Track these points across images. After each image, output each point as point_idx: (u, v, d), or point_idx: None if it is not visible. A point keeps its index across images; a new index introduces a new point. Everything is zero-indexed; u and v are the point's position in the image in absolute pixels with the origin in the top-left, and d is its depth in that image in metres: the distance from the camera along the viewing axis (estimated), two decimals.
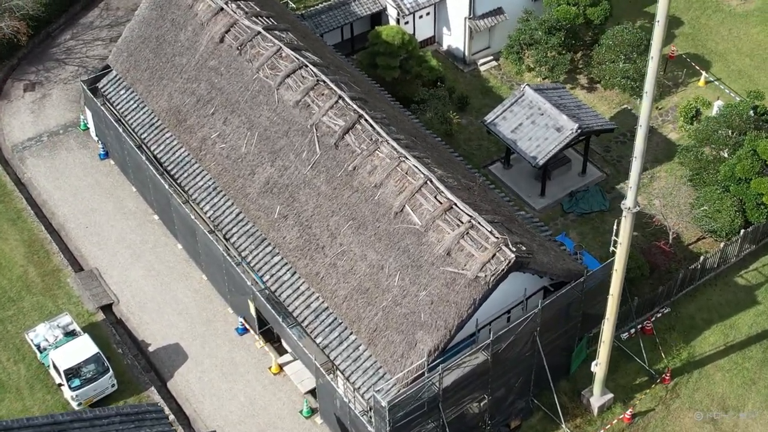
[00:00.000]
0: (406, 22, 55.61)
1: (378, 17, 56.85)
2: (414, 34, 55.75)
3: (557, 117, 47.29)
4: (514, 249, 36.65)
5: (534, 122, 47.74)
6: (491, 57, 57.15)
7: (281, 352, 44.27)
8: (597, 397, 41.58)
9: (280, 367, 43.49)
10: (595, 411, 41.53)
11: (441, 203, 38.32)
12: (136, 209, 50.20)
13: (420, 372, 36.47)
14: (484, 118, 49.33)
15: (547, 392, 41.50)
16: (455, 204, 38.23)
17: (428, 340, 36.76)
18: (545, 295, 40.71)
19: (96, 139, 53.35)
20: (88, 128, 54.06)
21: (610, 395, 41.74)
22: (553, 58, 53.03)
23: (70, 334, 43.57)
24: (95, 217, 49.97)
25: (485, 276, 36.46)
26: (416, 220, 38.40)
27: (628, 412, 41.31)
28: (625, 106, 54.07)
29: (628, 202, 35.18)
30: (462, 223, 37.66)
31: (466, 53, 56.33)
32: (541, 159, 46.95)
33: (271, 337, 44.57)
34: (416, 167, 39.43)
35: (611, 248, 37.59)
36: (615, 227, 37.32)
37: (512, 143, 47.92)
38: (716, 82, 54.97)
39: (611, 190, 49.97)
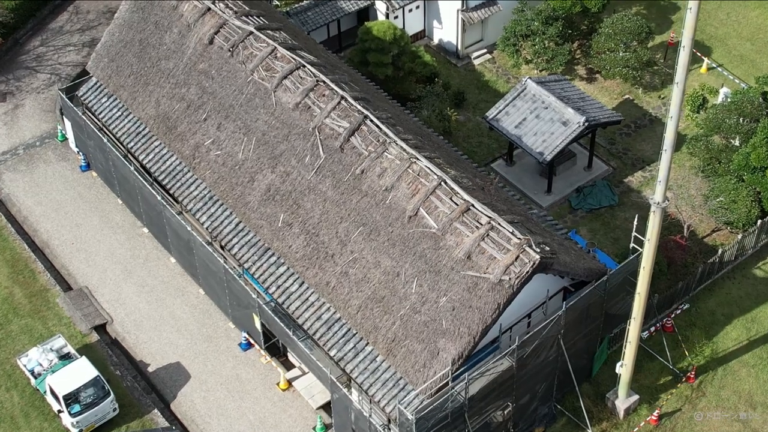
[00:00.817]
0: (396, 17, 53.66)
1: (365, 13, 54.83)
2: (404, 28, 53.77)
3: (563, 110, 45.63)
4: (538, 250, 35.03)
5: (538, 117, 46.04)
6: (485, 50, 55.33)
7: (288, 366, 42.24)
8: (622, 400, 40.04)
9: (289, 382, 41.47)
10: (621, 414, 39.98)
11: (457, 205, 36.54)
12: (123, 222, 47.82)
13: (444, 381, 34.75)
14: (486, 114, 47.53)
15: (570, 397, 40.00)
16: (473, 205, 36.46)
17: (451, 348, 35.03)
18: (565, 296, 39.21)
19: (76, 150, 50.82)
20: (67, 139, 51.55)
21: (636, 397, 40.22)
22: (551, 49, 51.35)
23: (65, 357, 41.19)
24: (80, 232, 47.50)
25: (509, 279, 34.79)
26: (432, 224, 36.58)
27: (654, 413, 39.82)
28: (627, 96, 52.50)
29: (657, 197, 33.68)
30: (481, 224, 35.91)
31: (459, 47, 54.48)
32: (549, 154, 45.26)
33: (276, 351, 42.55)
34: (428, 168, 37.58)
35: (631, 244, 36.10)
36: (635, 223, 35.78)
37: (517, 139, 46.19)
38: (719, 68, 53.60)
39: (619, 184, 48.39)
